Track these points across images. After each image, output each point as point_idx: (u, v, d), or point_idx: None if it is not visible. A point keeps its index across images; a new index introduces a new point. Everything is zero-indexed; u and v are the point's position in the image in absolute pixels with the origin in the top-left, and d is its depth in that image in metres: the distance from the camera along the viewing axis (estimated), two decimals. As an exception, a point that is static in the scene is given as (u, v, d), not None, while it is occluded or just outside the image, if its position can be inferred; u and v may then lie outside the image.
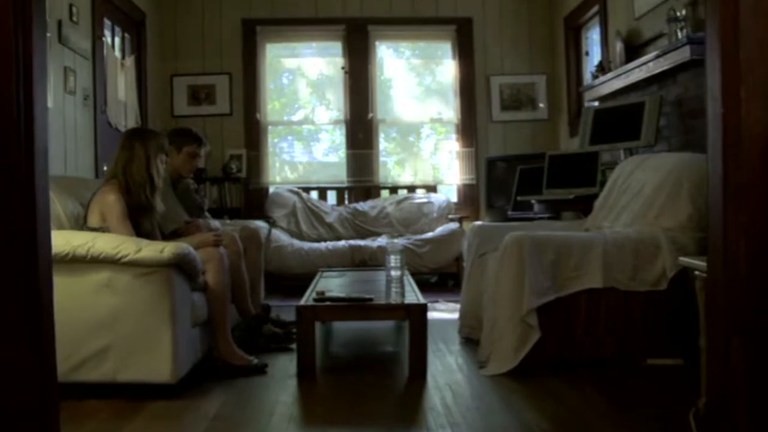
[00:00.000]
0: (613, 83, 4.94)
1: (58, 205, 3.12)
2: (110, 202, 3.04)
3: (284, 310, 4.28)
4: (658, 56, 4.19)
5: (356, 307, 3.09)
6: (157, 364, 2.72)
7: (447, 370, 3.20)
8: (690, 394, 2.73)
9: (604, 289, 3.17)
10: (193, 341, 3.00)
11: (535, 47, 6.91)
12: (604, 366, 3.16)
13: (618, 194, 3.78)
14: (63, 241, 2.71)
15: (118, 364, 2.72)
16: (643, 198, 3.47)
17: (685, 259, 2.53)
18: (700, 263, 2.33)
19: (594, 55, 6.34)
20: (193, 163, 3.85)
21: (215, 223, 4.03)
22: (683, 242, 3.20)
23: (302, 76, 7.14)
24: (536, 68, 6.90)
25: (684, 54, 3.81)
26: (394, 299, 3.08)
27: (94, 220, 3.08)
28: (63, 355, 2.68)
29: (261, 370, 3.19)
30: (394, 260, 3.09)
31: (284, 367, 3.29)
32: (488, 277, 3.30)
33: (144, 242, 2.74)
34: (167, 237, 3.56)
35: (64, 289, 2.70)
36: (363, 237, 6.33)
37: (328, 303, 3.11)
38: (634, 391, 2.87)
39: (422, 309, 3.06)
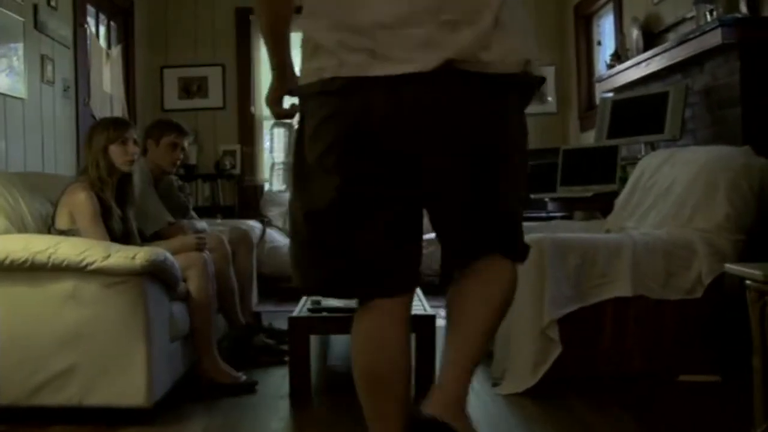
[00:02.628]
0: (630, 73, 4.60)
1: (23, 204, 2.79)
2: (80, 201, 2.71)
3: (279, 317, 3.94)
4: (682, 42, 3.86)
5: (355, 319, 2.75)
6: (129, 386, 2.40)
7: (457, 388, 2.88)
8: (730, 416, 2.45)
9: (633, 298, 2.84)
10: (172, 358, 2.68)
11: (543, 37, 6.56)
12: (633, 383, 2.84)
13: (643, 192, 3.46)
14: (21, 245, 2.38)
15: (85, 387, 2.39)
16: (674, 196, 3.14)
17: (733, 267, 2.20)
18: (753, 271, 2.01)
19: (606, 44, 6.03)
20: (174, 154, 3.51)
21: (201, 224, 3.70)
22: (720, 245, 2.87)
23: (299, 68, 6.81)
24: (545, 59, 6.53)
25: (714, 38, 3.48)
26: (399, 310, 2.75)
27: (62, 221, 2.75)
28: (22, 376, 2.38)
29: (250, 388, 2.87)
30: (398, 266, 2.75)
31: (276, 384, 2.96)
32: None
33: (114, 247, 2.41)
34: (148, 240, 3.25)
35: (23, 300, 2.40)
36: (363, 237, 5.99)
37: (324, 314, 2.78)
38: (667, 411, 2.57)
39: (430, 321, 2.73)
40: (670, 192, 3.21)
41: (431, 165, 1.50)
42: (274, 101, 1.83)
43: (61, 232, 2.71)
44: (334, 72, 1.46)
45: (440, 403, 1.52)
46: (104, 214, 2.78)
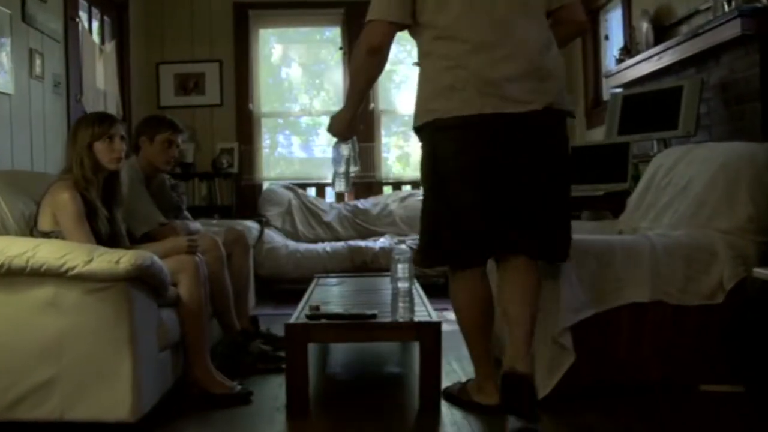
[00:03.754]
0: (641, 67, 4.44)
1: (3, 205, 2.63)
2: (63, 201, 2.55)
3: (277, 321, 3.78)
4: (697, 34, 3.70)
5: (357, 326, 2.59)
6: (113, 399, 2.23)
7: (464, 399, 2.72)
8: (754, 428, 2.33)
9: (651, 303, 2.67)
10: (161, 368, 2.52)
11: (549, 32, 6.41)
12: (650, 394, 2.69)
13: (657, 191, 3.29)
14: (-3, 249, 2.22)
15: (67, 400, 2.23)
16: (692, 196, 2.97)
17: (760, 270, 2.04)
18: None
19: (614, 39, 5.86)
20: (169, 152, 3.36)
21: (195, 225, 3.55)
22: (743, 247, 2.71)
23: (298, 64, 6.66)
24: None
25: (733, 29, 3.31)
26: (402, 316, 2.59)
27: (45, 223, 2.59)
28: (-1, 389, 2.21)
29: (245, 399, 2.71)
30: (401, 270, 2.60)
31: (273, 394, 2.80)
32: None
33: (98, 251, 2.25)
34: (138, 241, 3.09)
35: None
36: (364, 237, 5.85)
37: (323, 321, 2.62)
38: (687, 424, 2.42)
39: (435, 328, 2.57)
40: (688, 191, 3.04)
41: (534, 171, 2.33)
42: (345, 128, 2.65)
43: (44, 234, 2.56)
44: (478, 110, 2.27)
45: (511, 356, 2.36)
46: (90, 215, 2.62)
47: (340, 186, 2.79)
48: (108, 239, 2.69)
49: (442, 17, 2.33)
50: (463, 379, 2.81)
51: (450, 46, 2.31)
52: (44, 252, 2.21)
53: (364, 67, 2.47)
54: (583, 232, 3.42)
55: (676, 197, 3.09)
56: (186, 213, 3.62)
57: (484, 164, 2.31)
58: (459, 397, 2.63)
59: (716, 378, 2.72)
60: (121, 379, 2.24)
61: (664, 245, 2.74)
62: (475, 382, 2.61)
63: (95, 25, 5.27)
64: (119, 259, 2.19)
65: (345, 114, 2.61)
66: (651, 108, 4.04)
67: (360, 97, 2.58)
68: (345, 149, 2.73)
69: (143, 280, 2.29)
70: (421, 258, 2.51)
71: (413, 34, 2.48)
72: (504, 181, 2.31)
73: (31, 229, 2.63)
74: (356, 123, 2.66)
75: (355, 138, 2.75)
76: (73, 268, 2.18)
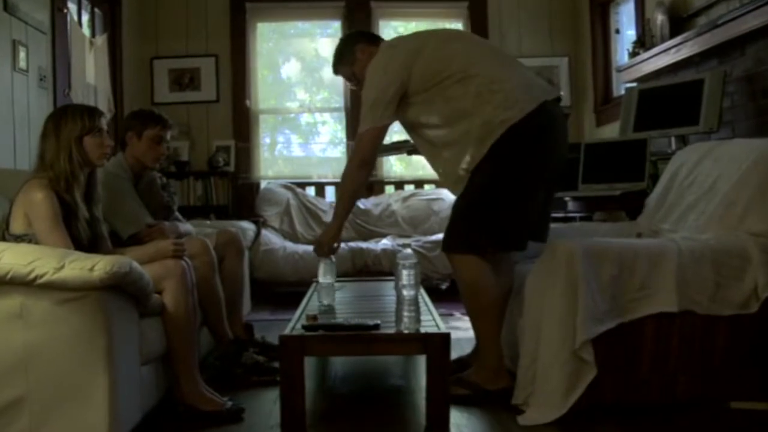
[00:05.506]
0: (657, 60, 4.22)
1: (-27, 205, 2.41)
2: (37, 201, 2.33)
3: (273, 328, 3.57)
4: (719, 24, 3.48)
5: (358, 338, 2.37)
6: (88, 420, 2.01)
7: (473, 416, 2.49)
8: None
9: (678, 313, 2.45)
10: (143, 384, 2.29)
11: (556, 26, 6.20)
12: (677, 412, 2.47)
13: (680, 190, 3.07)
14: (-43, 255, 1.99)
15: (36, 421, 2.01)
16: (719, 196, 2.75)
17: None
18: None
19: (625, 32, 5.64)
20: (158, 149, 3.14)
21: (186, 227, 3.32)
22: (778, 251, 2.49)
23: (297, 59, 6.45)
24: (558, 50, 6.19)
25: (761, 17, 3.11)
26: (408, 327, 2.37)
27: (17, 225, 2.36)
28: (-39, 409, 1.99)
29: (236, 417, 2.49)
30: (407, 276, 2.37)
31: (266, 410, 2.58)
32: (527, 296, 2.58)
33: (70, 256, 2.02)
34: (124, 244, 2.88)
35: (-39, 320, 2.00)
36: (365, 238, 5.64)
37: (321, 332, 2.40)
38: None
39: (444, 340, 2.34)
40: (715, 190, 2.81)
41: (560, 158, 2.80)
42: (330, 243, 2.93)
43: (17, 238, 2.33)
44: (527, 111, 2.63)
45: None
46: (68, 216, 2.40)
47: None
48: (88, 242, 2.47)
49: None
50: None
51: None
52: (10, 258, 1.99)
53: (357, 181, 2.84)
54: (599, 234, 3.22)
55: (702, 197, 2.87)
56: (177, 213, 3.40)
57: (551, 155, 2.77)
58: (471, 395, 2.62)
59: (749, 395, 2.50)
60: (97, 398, 2.02)
61: (692, 249, 2.51)
62: (486, 368, 2.68)
63: (85, 17, 5.06)
64: (93, 266, 1.97)
65: (335, 226, 2.92)
66: (669, 103, 3.82)
67: (348, 209, 2.96)
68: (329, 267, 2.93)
69: (121, 288, 2.07)
70: (461, 242, 2.67)
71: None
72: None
73: (2, 232, 2.41)
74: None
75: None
76: (41, 276, 1.96)
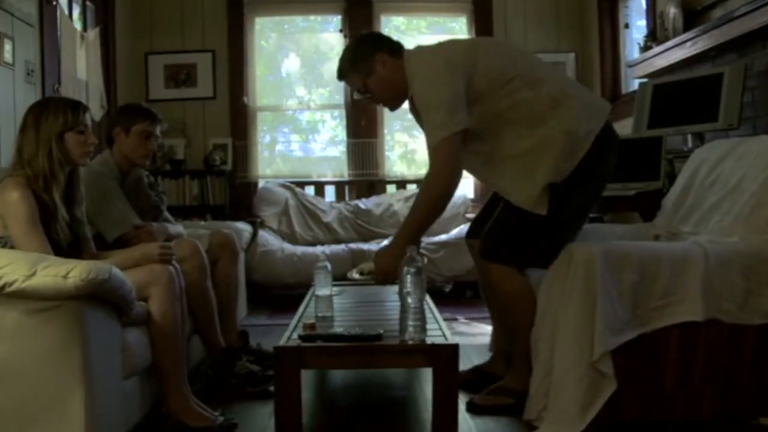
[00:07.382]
0: (671, 54, 4.04)
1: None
2: (12, 201, 2.16)
3: (270, 334, 3.39)
4: (738, 16, 3.31)
5: (359, 350, 2.19)
6: (64, 440, 1.84)
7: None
8: None
9: (704, 323, 2.27)
10: (126, 399, 2.12)
11: (563, 21, 6.03)
12: (704, 429, 2.30)
13: (700, 190, 2.89)
14: None
15: (6, 442, 1.84)
16: (745, 196, 2.57)
17: None
18: None
19: (634, 27, 5.47)
20: (147, 145, 2.97)
21: (176, 228, 3.15)
22: (811, 256, 2.32)
23: (296, 55, 6.28)
24: (564, 45, 6.01)
25: (786, 7, 2.93)
26: (413, 337, 2.19)
27: (-8, 226, 2.20)
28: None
29: (227, 432, 2.32)
30: (411, 283, 2.19)
31: (261, 425, 2.42)
32: (541, 304, 2.41)
33: (43, 262, 1.85)
34: (110, 247, 2.71)
35: None
36: (366, 239, 5.48)
37: (319, 343, 2.22)
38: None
39: (452, 351, 2.16)
40: (739, 190, 2.64)
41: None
42: (395, 263, 2.32)
43: (-10, 240, 2.16)
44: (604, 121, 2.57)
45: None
46: (46, 218, 2.23)
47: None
48: (69, 246, 2.30)
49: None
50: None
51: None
52: (-23, 263, 1.81)
53: (442, 200, 2.46)
54: (615, 237, 3.05)
55: (726, 198, 2.69)
56: (166, 214, 3.22)
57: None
58: (515, 404, 2.46)
59: (780, 410, 2.32)
60: (74, 415, 1.85)
61: (718, 254, 2.34)
62: (517, 378, 2.52)
63: (76, 10, 4.89)
64: (68, 273, 1.79)
65: (395, 250, 2.44)
66: (686, 98, 3.64)
67: (422, 232, 2.60)
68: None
69: (100, 296, 1.89)
70: (512, 258, 2.49)
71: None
72: None
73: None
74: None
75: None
76: (11, 284, 1.78)
